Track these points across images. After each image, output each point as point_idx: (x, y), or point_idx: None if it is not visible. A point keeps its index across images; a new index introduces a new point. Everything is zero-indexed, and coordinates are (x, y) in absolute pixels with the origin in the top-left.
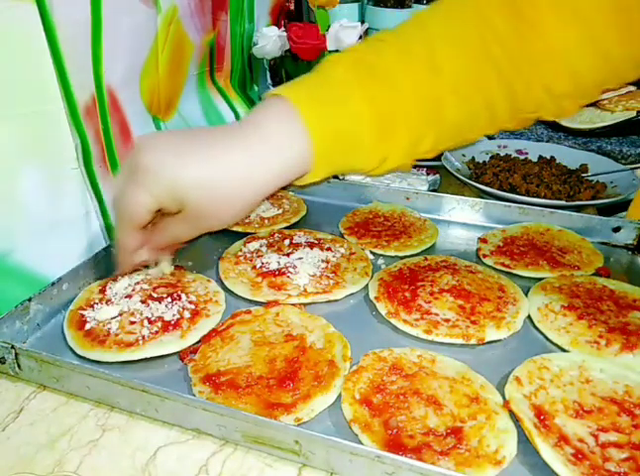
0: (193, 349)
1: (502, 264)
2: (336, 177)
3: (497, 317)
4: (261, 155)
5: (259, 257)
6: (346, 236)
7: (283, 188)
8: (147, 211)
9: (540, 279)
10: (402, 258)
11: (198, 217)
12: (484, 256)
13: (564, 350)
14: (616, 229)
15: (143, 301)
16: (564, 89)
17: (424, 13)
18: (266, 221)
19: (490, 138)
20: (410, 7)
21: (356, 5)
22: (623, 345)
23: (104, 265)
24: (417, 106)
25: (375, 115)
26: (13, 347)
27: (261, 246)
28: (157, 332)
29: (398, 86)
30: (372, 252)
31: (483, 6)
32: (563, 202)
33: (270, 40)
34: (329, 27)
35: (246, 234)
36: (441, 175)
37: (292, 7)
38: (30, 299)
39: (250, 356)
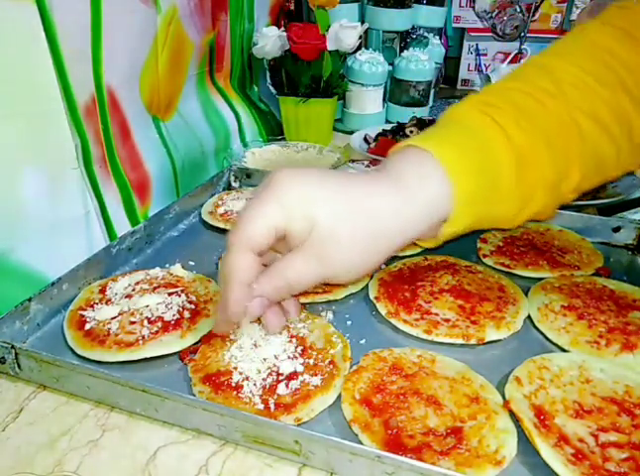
0: (193, 349)
1: (502, 264)
2: None
3: (497, 317)
4: (399, 201)
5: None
6: None
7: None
8: (269, 228)
9: (540, 279)
10: (402, 258)
11: (323, 253)
12: (484, 256)
13: (564, 350)
14: (616, 229)
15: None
16: None
17: (539, 57)
18: None
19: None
20: (410, 7)
21: (356, 5)
22: (623, 345)
23: (104, 265)
24: (558, 135)
25: (514, 159)
26: (13, 347)
27: None
28: (157, 332)
29: (534, 118)
30: None
31: (598, 38)
32: None
33: (270, 40)
34: (329, 27)
35: None
36: None
37: (292, 7)
38: (30, 299)
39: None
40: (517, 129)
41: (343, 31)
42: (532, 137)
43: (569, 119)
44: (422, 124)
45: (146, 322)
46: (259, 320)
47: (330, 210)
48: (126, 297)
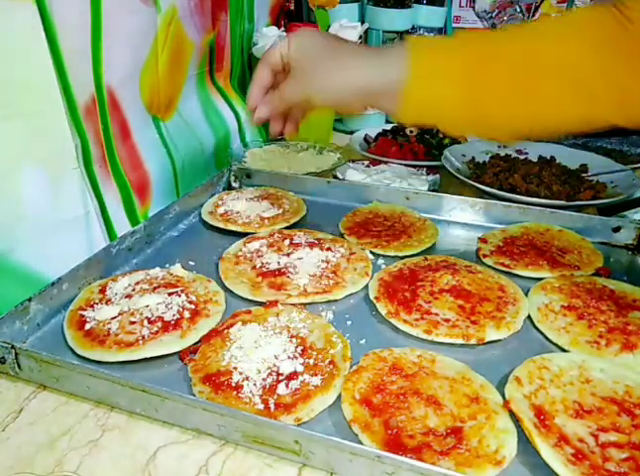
0: (193, 349)
1: (502, 264)
2: (335, 177)
3: (497, 317)
4: (365, 58)
5: (259, 257)
6: (346, 236)
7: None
8: (277, 54)
9: (540, 279)
10: (402, 258)
11: (303, 75)
12: (484, 256)
13: (564, 350)
14: (616, 229)
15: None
16: None
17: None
18: (266, 221)
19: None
20: (410, 7)
21: (356, 5)
22: (623, 345)
23: (104, 265)
24: (515, 66)
25: (471, 60)
26: (13, 347)
27: (261, 246)
28: (157, 332)
29: (500, 47)
30: (372, 252)
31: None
32: (563, 202)
33: (270, 40)
34: (329, 27)
35: (246, 234)
36: (441, 175)
37: (292, 7)
38: (30, 299)
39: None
40: (483, 51)
41: (343, 31)
42: (492, 56)
43: (528, 58)
44: None
45: (146, 322)
46: (257, 323)
47: (311, 51)
48: (126, 297)
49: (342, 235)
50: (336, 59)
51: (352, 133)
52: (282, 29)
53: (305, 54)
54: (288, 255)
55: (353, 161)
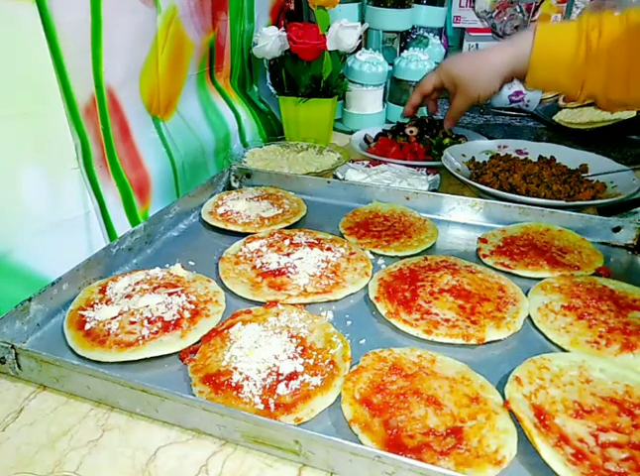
0: (193, 349)
1: (502, 264)
2: (336, 177)
3: (497, 317)
4: (500, 49)
5: (259, 257)
6: (346, 236)
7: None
8: (430, 84)
9: (540, 279)
10: (402, 258)
11: (463, 87)
12: (484, 256)
13: (564, 350)
14: (616, 229)
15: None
16: None
17: None
18: (267, 221)
19: (490, 138)
20: (410, 7)
21: (356, 5)
22: (623, 345)
23: (104, 265)
24: (616, 47)
25: (583, 41)
26: (13, 347)
27: (261, 246)
28: (157, 332)
29: (606, 30)
30: (372, 252)
31: None
32: (563, 202)
33: (270, 40)
34: (329, 27)
35: (246, 234)
36: (441, 175)
37: (292, 7)
38: (30, 299)
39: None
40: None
41: (343, 31)
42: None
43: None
44: (422, 124)
45: (146, 322)
46: (257, 323)
47: (459, 66)
48: (126, 297)
49: (342, 235)
50: (479, 61)
51: (352, 133)
52: (282, 29)
53: (452, 76)
54: (288, 255)
55: (353, 161)
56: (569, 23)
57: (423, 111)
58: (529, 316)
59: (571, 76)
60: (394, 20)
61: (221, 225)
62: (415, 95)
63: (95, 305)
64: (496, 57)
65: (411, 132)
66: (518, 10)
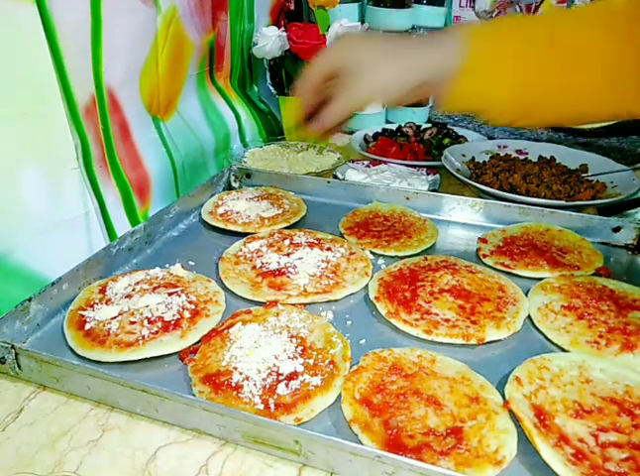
0: (193, 349)
1: (502, 264)
2: (336, 177)
3: (497, 317)
4: (417, 48)
5: (259, 257)
6: (346, 236)
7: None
8: (319, 74)
9: (540, 279)
10: (402, 258)
11: (354, 80)
12: (484, 256)
13: (564, 350)
14: (616, 229)
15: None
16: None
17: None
18: (267, 221)
19: (490, 138)
20: (410, 7)
21: (356, 5)
22: (623, 345)
23: (104, 265)
24: (556, 64)
25: (520, 59)
26: (13, 347)
27: (261, 246)
28: (157, 332)
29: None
30: (372, 252)
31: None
32: (563, 202)
33: (270, 40)
34: (329, 27)
35: (246, 234)
36: (441, 174)
37: (292, 7)
38: (30, 299)
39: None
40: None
41: (343, 31)
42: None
43: (566, 56)
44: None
45: (146, 322)
46: (257, 323)
47: (366, 52)
48: (126, 297)
49: (342, 235)
50: (392, 57)
51: (352, 133)
52: (282, 29)
53: (356, 57)
54: (288, 255)
55: (353, 161)
56: (500, 24)
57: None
58: (529, 316)
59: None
60: (394, 20)
61: (221, 225)
62: (313, 70)
63: (95, 305)
64: (417, 58)
65: (409, 130)
66: (518, 10)
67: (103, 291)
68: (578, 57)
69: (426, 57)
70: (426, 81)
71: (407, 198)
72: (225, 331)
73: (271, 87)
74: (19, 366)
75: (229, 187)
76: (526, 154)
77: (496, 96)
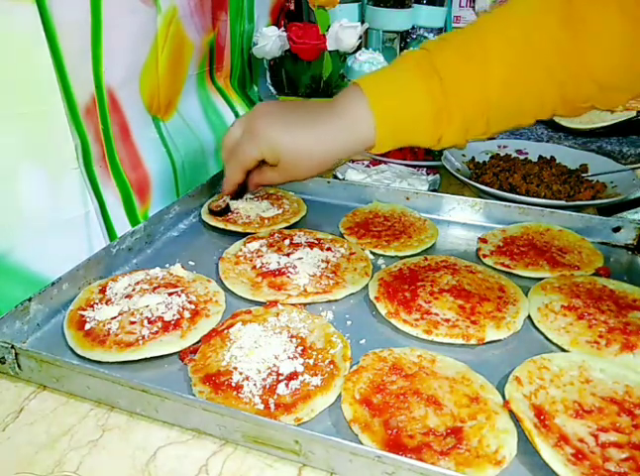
0: (193, 349)
1: (502, 264)
2: (336, 177)
3: (497, 317)
4: (337, 131)
5: (259, 257)
6: (346, 236)
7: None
8: (253, 160)
9: (540, 279)
10: (402, 258)
11: (287, 169)
12: (484, 256)
13: (564, 350)
14: (616, 229)
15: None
16: (614, 83)
17: (487, 15)
18: (267, 221)
19: (490, 138)
20: (410, 7)
21: (356, 5)
22: (623, 345)
23: (104, 265)
24: (469, 96)
25: (432, 105)
26: (13, 347)
27: (261, 246)
28: (157, 332)
29: (454, 79)
30: (372, 252)
31: (539, 6)
32: (563, 202)
33: (270, 40)
34: (329, 27)
35: (246, 234)
36: (441, 175)
37: (292, 7)
38: (30, 299)
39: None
40: (438, 88)
41: (343, 31)
42: (449, 96)
43: (481, 84)
44: None
45: (146, 322)
46: (257, 323)
47: (288, 151)
48: (126, 297)
49: (342, 235)
50: (303, 137)
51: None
52: (282, 29)
53: (274, 147)
54: (288, 255)
55: (353, 161)
56: (403, 78)
57: None
58: (529, 316)
59: (426, 138)
60: (394, 20)
61: (221, 225)
62: (235, 172)
63: (95, 305)
64: (331, 142)
65: None
66: None
67: (103, 291)
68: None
69: (344, 131)
70: (352, 150)
71: (407, 198)
72: (225, 331)
73: (271, 87)
74: (19, 366)
75: None
76: (526, 154)
77: (416, 134)
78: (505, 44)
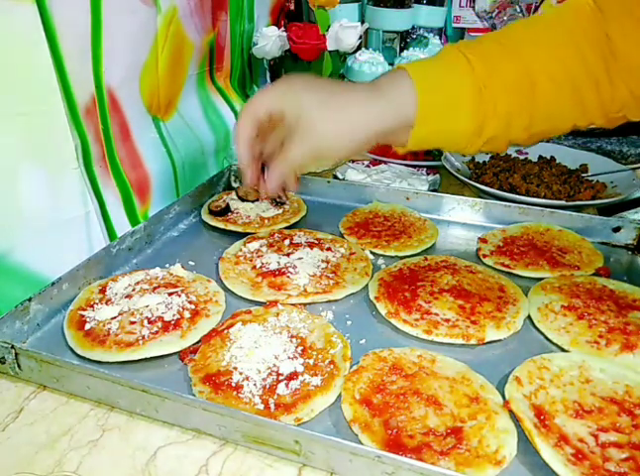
0: (193, 349)
1: (502, 264)
2: (336, 177)
3: (497, 317)
4: (374, 96)
5: (259, 257)
6: (346, 236)
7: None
8: (265, 106)
9: (540, 279)
10: (402, 258)
11: (314, 136)
12: (484, 256)
13: (564, 350)
14: (616, 229)
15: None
16: None
17: (522, 28)
18: (267, 221)
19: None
20: (410, 7)
21: (356, 5)
22: (623, 345)
23: (104, 265)
24: (515, 84)
25: (475, 87)
26: (13, 347)
27: (261, 246)
28: (157, 332)
29: (498, 66)
30: (372, 252)
31: (575, 29)
32: (563, 202)
33: (270, 40)
34: (329, 27)
35: (246, 234)
36: (441, 175)
37: (292, 7)
38: (30, 299)
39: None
40: (483, 68)
41: (343, 31)
42: (494, 79)
43: (527, 74)
44: None
45: (146, 322)
46: (257, 323)
47: (311, 101)
48: (126, 297)
49: (342, 235)
50: (341, 110)
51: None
52: (282, 29)
53: (301, 108)
54: (288, 255)
55: (353, 161)
56: (445, 60)
57: None
58: (529, 316)
59: (468, 122)
60: (394, 20)
61: (221, 225)
62: (244, 122)
63: (95, 305)
64: (367, 117)
65: None
66: (518, 10)
67: (103, 291)
68: (531, 82)
69: (382, 107)
70: (386, 131)
71: (407, 198)
72: (225, 331)
73: None
74: (19, 366)
75: (229, 187)
76: (526, 154)
77: (453, 133)
78: (551, 42)
